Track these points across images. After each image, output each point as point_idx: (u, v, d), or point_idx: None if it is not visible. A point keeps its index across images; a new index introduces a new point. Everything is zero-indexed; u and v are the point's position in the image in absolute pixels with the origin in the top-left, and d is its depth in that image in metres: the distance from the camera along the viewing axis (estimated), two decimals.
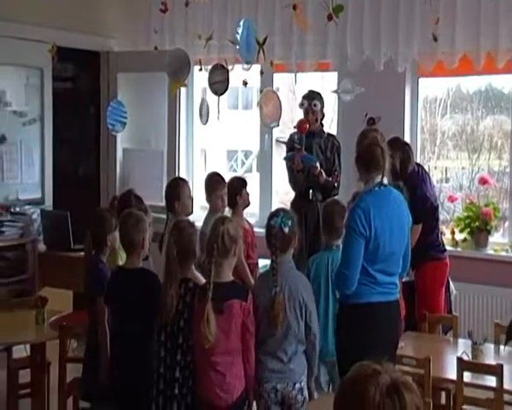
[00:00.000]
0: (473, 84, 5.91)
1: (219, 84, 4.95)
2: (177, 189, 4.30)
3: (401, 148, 4.42)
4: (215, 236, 3.09)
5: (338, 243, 3.77)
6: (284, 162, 5.16)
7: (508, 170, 5.51)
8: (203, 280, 3.23)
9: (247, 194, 4.49)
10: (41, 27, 5.60)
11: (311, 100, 5.00)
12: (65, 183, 6.17)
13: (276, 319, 3.14)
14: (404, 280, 4.07)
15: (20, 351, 4.27)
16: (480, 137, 6.06)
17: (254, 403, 3.25)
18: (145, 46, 6.20)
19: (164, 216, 4.36)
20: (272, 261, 3.25)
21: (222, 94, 4.92)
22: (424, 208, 4.41)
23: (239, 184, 4.47)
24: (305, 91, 5.11)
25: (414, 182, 4.46)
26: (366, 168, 3.31)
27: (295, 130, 5.06)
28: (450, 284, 4.64)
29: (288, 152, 5.10)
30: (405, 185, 4.42)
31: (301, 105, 5.05)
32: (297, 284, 3.27)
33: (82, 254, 4.06)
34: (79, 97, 7.03)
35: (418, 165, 4.65)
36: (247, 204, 4.53)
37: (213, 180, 4.45)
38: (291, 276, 3.28)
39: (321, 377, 3.72)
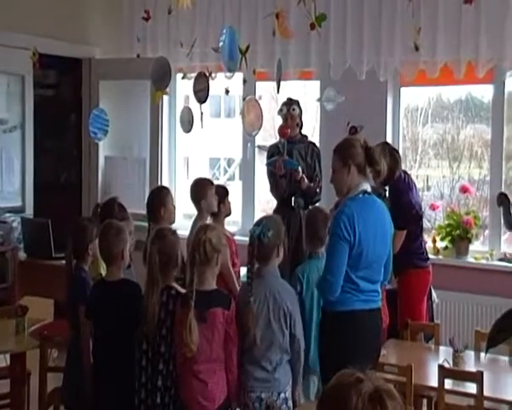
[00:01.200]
0: (453, 93, 5.97)
1: (202, 92, 4.95)
2: (163, 196, 4.32)
3: (389, 153, 4.45)
4: (197, 244, 3.09)
5: (322, 251, 3.78)
6: (265, 169, 5.17)
7: (488, 179, 5.57)
8: (183, 290, 3.22)
9: (229, 203, 4.50)
10: (22, 34, 5.56)
11: (290, 106, 5.03)
12: (46, 191, 6.12)
13: (244, 328, 3.13)
14: (387, 288, 4.08)
15: (0, 361, 4.22)
16: (461, 146, 6.12)
17: None
18: (128, 54, 6.18)
19: (146, 224, 4.34)
20: (248, 270, 3.25)
21: (204, 102, 4.92)
22: (409, 215, 4.43)
23: (222, 192, 4.48)
24: (284, 99, 5.14)
25: (400, 188, 4.48)
26: (362, 170, 3.29)
27: (277, 138, 5.07)
28: (433, 292, 4.66)
29: (268, 159, 5.11)
30: (391, 191, 4.46)
31: (280, 111, 5.07)
32: (281, 294, 3.26)
33: (63, 262, 4.02)
34: (61, 104, 6.98)
35: (405, 172, 4.67)
36: (229, 213, 4.54)
37: (204, 182, 4.45)
38: (276, 285, 3.28)
39: (310, 387, 3.71)
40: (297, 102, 5.10)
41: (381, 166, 3.32)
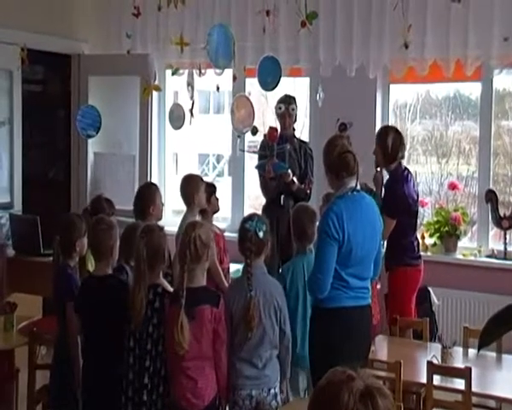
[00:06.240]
0: (441, 90, 5.99)
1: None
2: (152, 193, 4.34)
3: (395, 133, 4.56)
4: (187, 242, 3.07)
5: (310, 247, 3.79)
6: (256, 167, 5.16)
7: (475, 175, 5.60)
8: (170, 288, 3.22)
9: (216, 199, 4.49)
10: (11, 29, 5.52)
11: (289, 104, 5.01)
12: (35, 187, 6.09)
13: (252, 322, 3.14)
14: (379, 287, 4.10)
15: None
16: (449, 143, 6.14)
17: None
18: (117, 50, 6.14)
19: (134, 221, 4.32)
20: (246, 265, 3.26)
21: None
22: (401, 205, 4.43)
23: (208, 190, 4.47)
24: (281, 95, 5.09)
25: (397, 177, 4.52)
26: (339, 176, 3.33)
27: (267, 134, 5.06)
28: (432, 296, 4.68)
29: (259, 159, 5.09)
30: (387, 179, 4.50)
31: (279, 109, 5.03)
32: (271, 289, 3.28)
33: (51, 259, 4.00)
34: (50, 100, 6.95)
35: (406, 168, 4.70)
36: (217, 209, 4.53)
37: (195, 178, 4.47)
38: (265, 281, 3.30)
39: (299, 383, 3.72)
40: (294, 99, 5.07)
41: (356, 173, 3.31)
